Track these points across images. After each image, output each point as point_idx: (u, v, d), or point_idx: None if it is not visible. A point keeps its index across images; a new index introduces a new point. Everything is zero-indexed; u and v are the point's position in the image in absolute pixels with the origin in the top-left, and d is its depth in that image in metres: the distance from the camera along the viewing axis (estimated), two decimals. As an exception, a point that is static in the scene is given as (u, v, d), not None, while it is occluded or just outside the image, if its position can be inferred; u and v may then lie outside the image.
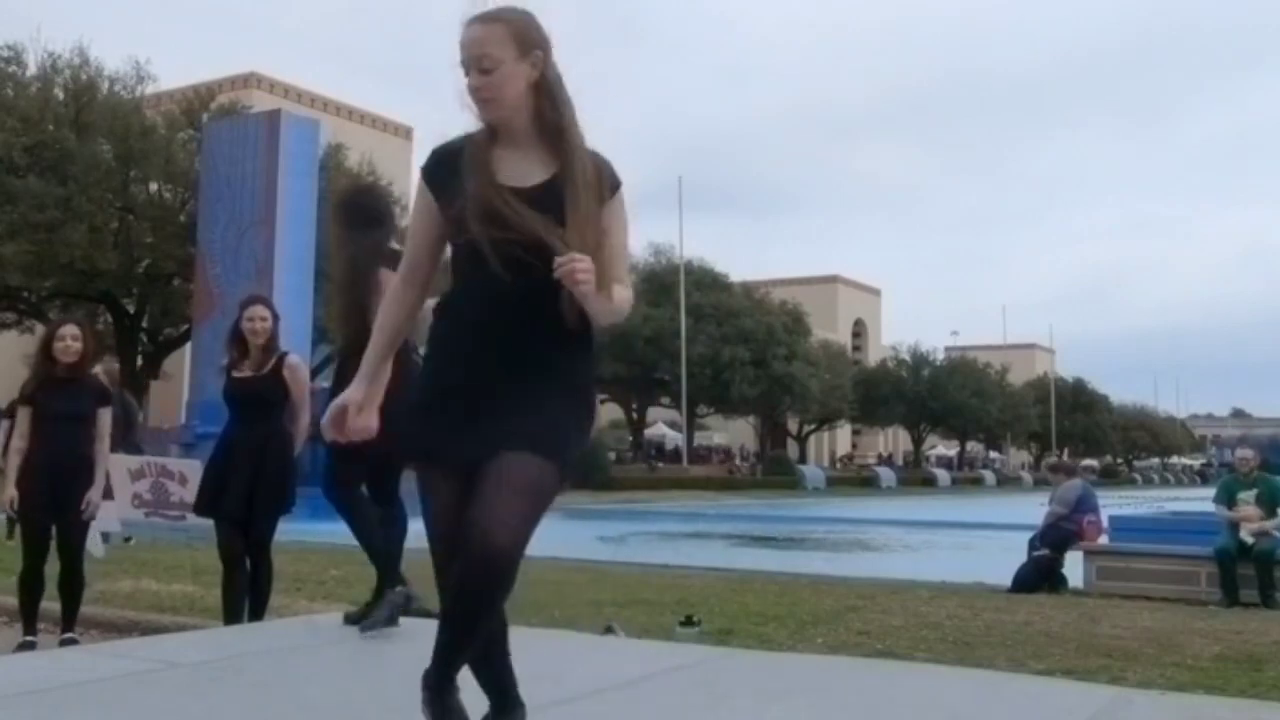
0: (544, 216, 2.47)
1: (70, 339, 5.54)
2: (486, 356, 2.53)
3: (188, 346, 28.26)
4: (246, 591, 5.43)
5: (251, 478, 5.36)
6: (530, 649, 4.77)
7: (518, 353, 2.53)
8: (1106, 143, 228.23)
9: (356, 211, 5.05)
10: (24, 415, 5.57)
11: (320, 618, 5.58)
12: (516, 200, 2.51)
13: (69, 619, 5.70)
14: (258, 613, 5.46)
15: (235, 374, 5.59)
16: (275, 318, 5.75)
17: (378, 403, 2.93)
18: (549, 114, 2.57)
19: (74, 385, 5.57)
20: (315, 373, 28.18)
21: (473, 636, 2.63)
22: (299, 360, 5.74)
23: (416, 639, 4.68)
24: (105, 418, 5.68)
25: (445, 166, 2.61)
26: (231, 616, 5.39)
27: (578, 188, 2.52)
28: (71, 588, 5.67)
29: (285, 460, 5.50)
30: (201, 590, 7.15)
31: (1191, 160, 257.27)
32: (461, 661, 2.70)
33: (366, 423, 2.82)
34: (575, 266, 2.37)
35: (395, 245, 4.77)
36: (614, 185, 2.63)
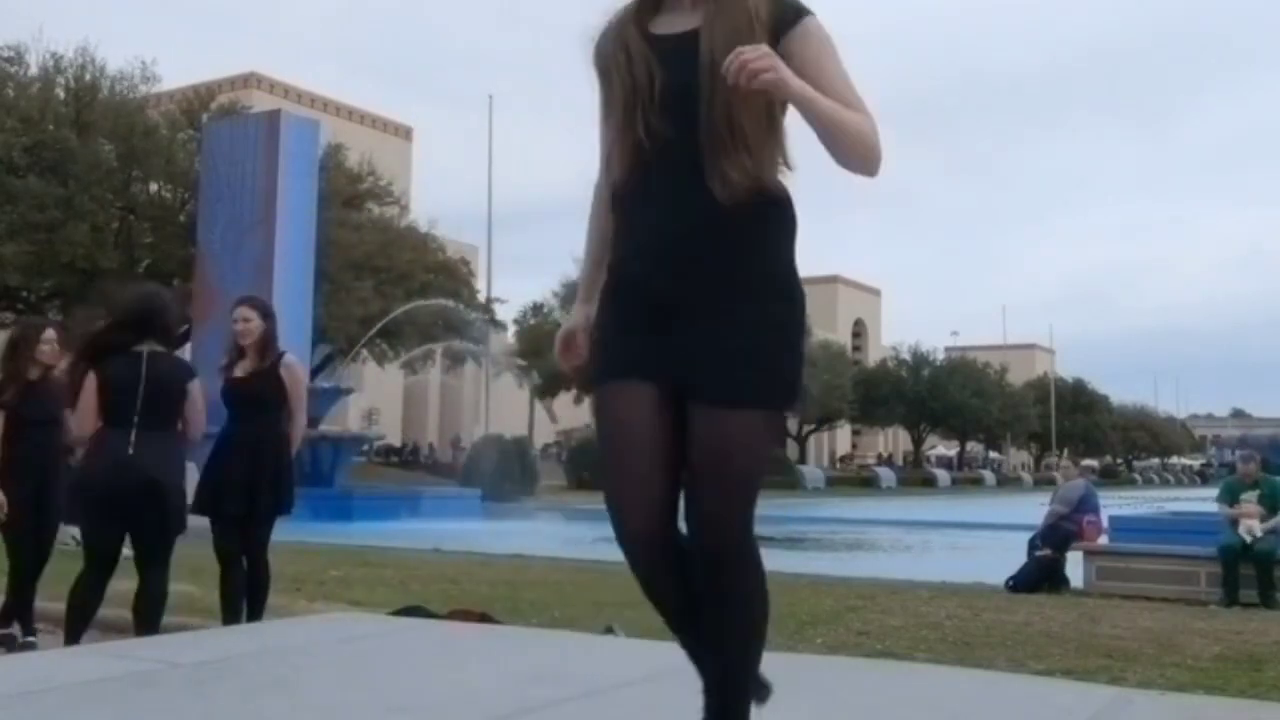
0: (685, 66, 2.13)
1: (44, 342, 5.59)
2: (657, 254, 2.19)
3: (188, 346, 28.28)
4: (244, 591, 5.43)
5: (250, 477, 5.36)
6: (530, 649, 4.78)
7: (682, 244, 2.17)
8: (1107, 143, 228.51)
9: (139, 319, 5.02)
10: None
11: (320, 618, 5.59)
12: (653, 47, 2.20)
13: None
14: (256, 613, 5.46)
15: (233, 374, 5.59)
16: (267, 317, 5.70)
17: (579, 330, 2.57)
18: None
19: (50, 387, 5.57)
20: (315, 373, 28.23)
21: (753, 639, 2.30)
22: (296, 360, 5.77)
23: (417, 640, 4.69)
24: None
25: (611, 38, 2.30)
26: (230, 616, 5.38)
27: (729, 23, 2.12)
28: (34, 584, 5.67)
29: (283, 460, 5.50)
30: (201, 590, 7.15)
31: (1192, 160, 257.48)
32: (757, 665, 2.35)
33: (584, 348, 2.49)
34: (746, 58, 1.95)
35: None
36: (791, 15, 2.18)
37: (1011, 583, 9.82)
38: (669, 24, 2.24)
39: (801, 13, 2.20)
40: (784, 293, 2.25)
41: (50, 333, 5.66)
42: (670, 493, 2.22)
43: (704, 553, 2.21)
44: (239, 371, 5.63)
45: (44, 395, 5.53)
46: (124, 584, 6.84)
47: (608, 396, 2.27)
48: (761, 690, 2.38)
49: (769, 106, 2.16)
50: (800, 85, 2.05)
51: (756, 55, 1.97)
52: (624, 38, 2.26)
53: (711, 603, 2.24)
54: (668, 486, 2.22)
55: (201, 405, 5.08)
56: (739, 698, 2.28)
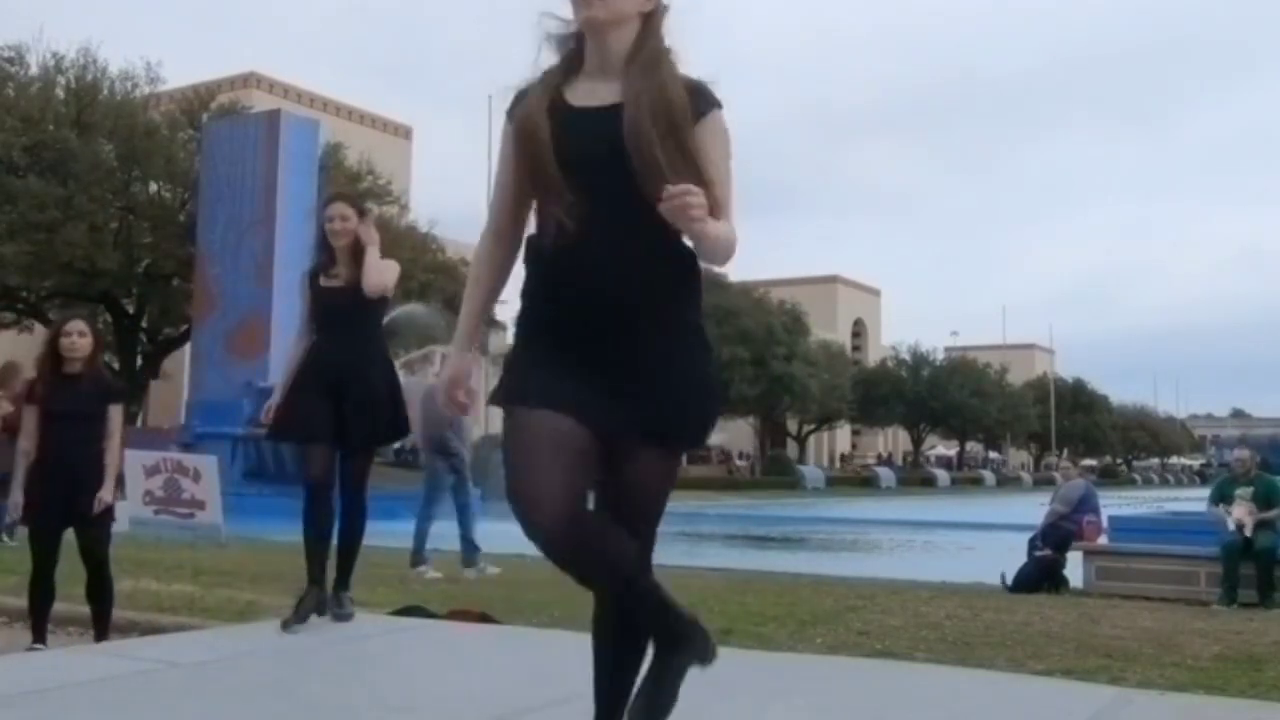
0: (608, 137, 2.28)
1: (76, 335, 5.34)
2: (582, 301, 2.32)
3: (187, 346, 28.27)
4: (330, 533, 4.88)
5: (341, 401, 4.81)
6: (530, 649, 4.78)
7: (612, 294, 2.31)
8: (1107, 143, 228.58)
9: None
10: (30, 416, 5.38)
11: (320, 618, 5.58)
12: (577, 117, 2.34)
13: (102, 626, 5.42)
14: (346, 565, 4.99)
15: (323, 282, 5.02)
16: (362, 215, 5.10)
17: (472, 373, 2.67)
18: (640, 43, 2.37)
19: (81, 382, 5.37)
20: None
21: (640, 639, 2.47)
22: (392, 262, 5.14)
23: (417, 640, 4.69)
24: (115, 415, 5.47)
25: (527, 103, 2.41)
26: (313, 562, 4.85)
27: (643, 106, 2.28)
28: (100, 593, 5.40)
29: (381, 378, 4.96)
30: (201, 590, 7.15)
31: (1191, 160, 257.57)
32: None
33: (466, 395, 2.58)
34: (689, 200, 2.14)
35: None
36: (705, 106, 2.37)
37: (1010, 584, 9.83)
38: (591, 95, 2.37)
39: (712, 105, 2.38)
40: (703, 342, 2.45)
41: (74, 324, 5.40)
42: (580, 485, 2.31)
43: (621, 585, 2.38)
44: (331, 280, 5.00)
45: (75, 390, 5.32)
46: (124, 584, 6.84)
47: (525, 414, 2.31)
48: (702, 651, 2.39)
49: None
50: (710, 227, 2.24)
51: (698, 202, 2.16)
52: (545, 106, 2.37)
53: (620, 627, 2.45)
54: (576, 481, 2.29)
55: None
56: (664, 706, 2.39)
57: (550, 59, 2.45)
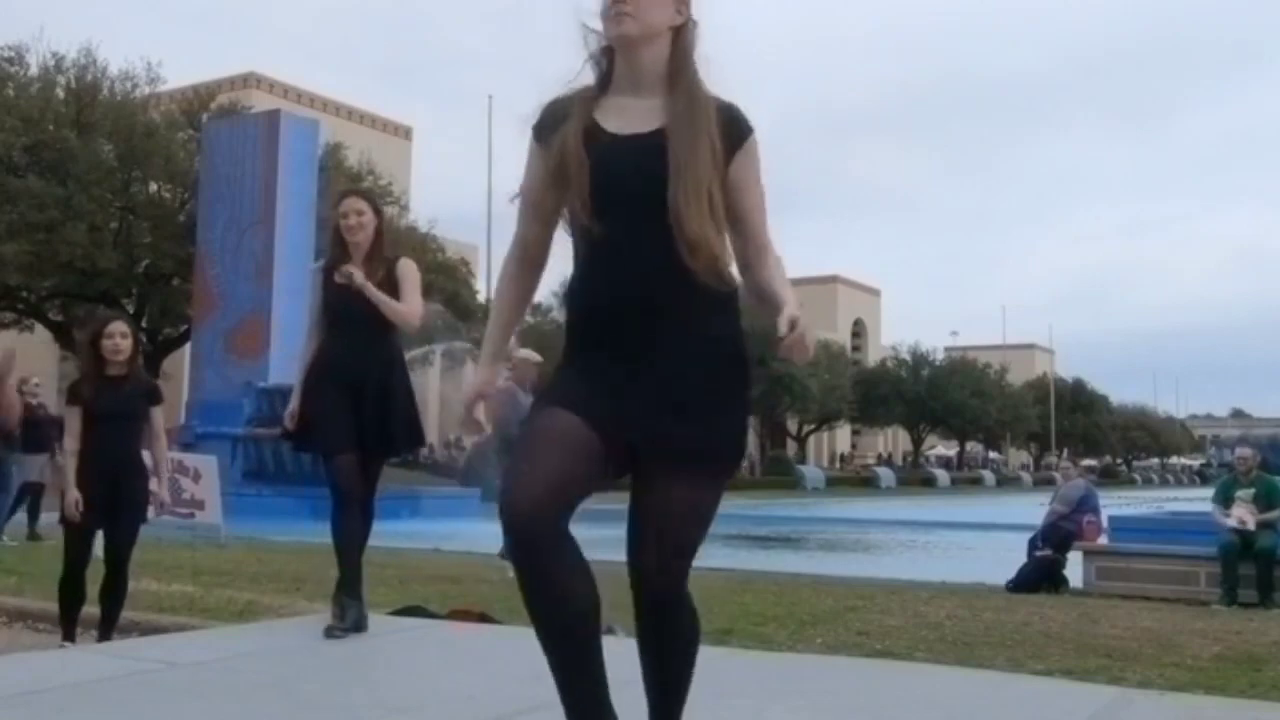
0: (648, 164, 2.27)
1: (119, 337, 5.29)
2: (618, 333, 2.30)
3: (187, 346, 28.28)
4: (361, 541, 4.73)
5: (354, 408, 4.65)
6: (530, 649, 4.77)
7: (651, 320, 2.28)
8: (1106, 142, 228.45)
9: None
10: (74, 416, 5.31)
11: (320, 618, 5.58)
12: (615, 147, 2.30)
13: (109, 626, 5.43)
14: (358, 571, 4.73)
15: (338, 279, 4.75)
16: (379, 214, 4.89)
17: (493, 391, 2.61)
18: (677, 63, 2.34)
19: (124, 384, 5.34)
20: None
21: (688, 673, 2.51)
22: (411, 263, 4.92)
23: (417, 640, 4.69)
24: (158, 416, 5.47)
25: (556, 119, 2.36)
26: (346, 561, 4.67)
27: (689, 131, 2.27)
28: (116, 593, 5.38)
29: (398, 383, 4.80)
30: (201, 590, 7.16)
31: (1190, 160, 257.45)
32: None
33: (483, 414, 2.56)
34: (805, 339, 2.19)
35: None
36: (743, 133, 2.35)
37: (1011, 584, 9.83)
38: (624, 117, 2.34)
39: (748, 132, 2.36)
40: (739, 354, 2.39)
41: (116, 326, 5.34)
42: (569, 489, 2.24)
43: (648, 601, 2.41)
44: (344, 279, 4.73)
45: (118, 391, 5.29)
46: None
47: (537, 414, 2.33)
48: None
49: (717, 209, 2.30)
50: (793, 299, 2.30)
51: (811, 338, 2.20)
52: (578, 125, 2.32)
53: (652, 644, 2.46)
54: (568, 484, 2.23)
55: None
56: (682, 701, 2.50)
57: (586, 76, 2.41)
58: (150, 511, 5.52)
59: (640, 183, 2.28)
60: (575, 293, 2.39)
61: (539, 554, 2.20)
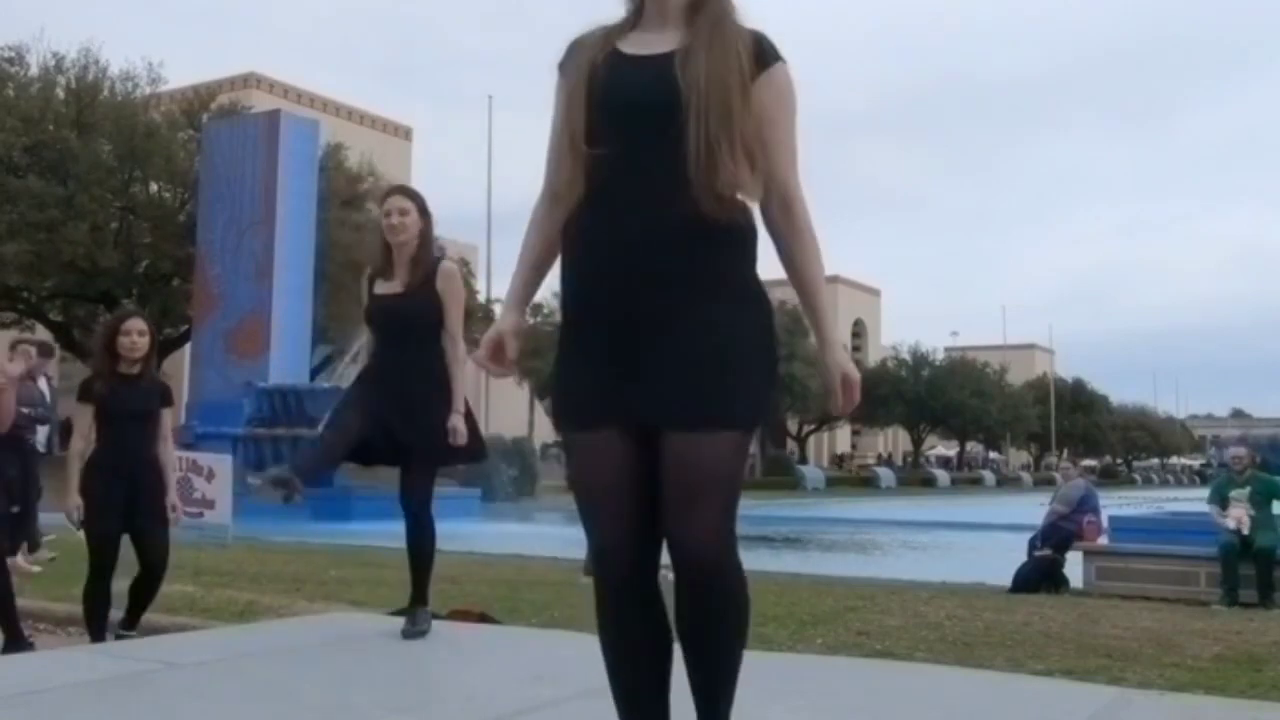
0: (661, 80, 2.15)
1: (136, 334, 5.17)
2: (621, 270, 2.15)
3: (187, 346, 28.28)
4: (415, 549, 4.64)
5: (394, 413, 4.47)
6: (530, 649, 4.78)
7: (656, 256, 2.13)
8: (1106, 143, 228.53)
9: None
10: (85, 414, 5.15)
11: (320, 618, 5.58)
12: (629, 64, 2.21)
13: (137, 615, 5.32)
14: (421, 580, 4.66)
15: (378, 289, 4.64)
16: (425, 214, 4.62)
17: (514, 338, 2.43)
18: None
19: (140, 382, 5.21)
20: (315, 373, 28.21)
21: (737, 649, 2.30)
22: (454, 267, 4.72)
23: (417, 641, 4.68)
24: (168, 418, 5.36)
25: (578, 52, 2.30)
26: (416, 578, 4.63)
27: (714, 45, 2.16)
28: (149, 594, 5.29)
29: (438, 390, 4.52)
30: (202, 590, 7.15)
31: (1190, 160, 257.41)
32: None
33: (513, 354, 2.40)
34: (855, 394, 2.30)
35: None
36: (769, 57, 2.21)
37: (1011, 588, 9.82)
38: (644, 44, 2.25)
39: (775, 58, 2.23)
40: (752, 295, 2.24)
41: (134, 323, 5.20)
42: (646, 526, 2.22)
43: (688, 573, 2.20)
44: (385, 287, 4.59)
45: (134, 389, 5.16)
46: (125, 584, 6.85)
47: (576, 448, 2.28)
48: None
49: (745, 135, 2.16)
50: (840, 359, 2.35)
51: (854, 401, 2.36)
52: (597, 53, 2.26)
53: (695, 621, 2.23)
54: (642, 520, 2.22)
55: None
56: (726, 704, 2.31)
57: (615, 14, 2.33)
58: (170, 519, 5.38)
59: (652, 97, 2.15)
60: (571, 244, 2.25)
61: (620, 600, 2.30)
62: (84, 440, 5.16)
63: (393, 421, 4.48)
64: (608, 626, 2.33)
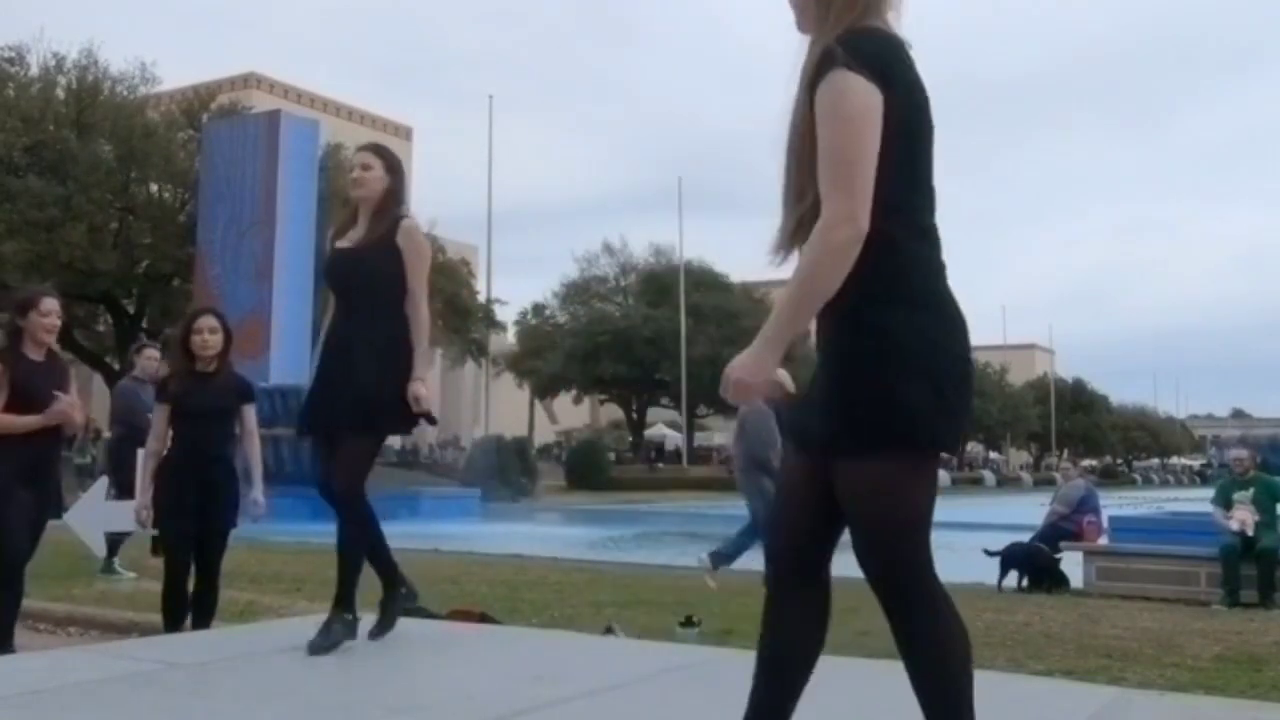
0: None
1: (207, 332, 5.10)
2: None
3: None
4: (343, 546, 4.30)
5: (348, 386, 4.17)
6: (530, 649, 4.78)
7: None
8: (1106, 143, 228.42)
9: None
10: (161, 414, 5.11)
11: (320, 618, 5.57)
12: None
13: (203, 625, 5.28)
14: (343, 579, 4.30)
15: (338, 243, 4.43)
16: (393, 171, 4.40)
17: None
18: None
19: (215, 379, 5.15)
20: (315, 373, 28.18)
21: (944, 683, 2.27)
22: (415, 225, 4.44)
23: (417, 640, 4.69)
24: (251, 414, 5.26)
25: (909, 70, 2.24)
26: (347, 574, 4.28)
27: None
28: (207, 605, 5.24)
29: (396, 360, 4.20)
30: (201, 590, 7.14)
31: (1190, 161, 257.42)
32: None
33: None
34: (724, 390, 2.26)
35: None
36: (824, 68, 2.11)
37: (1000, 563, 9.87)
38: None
39: (827, 68, 2.11)
40: (860, 325, 2.15)
41: (205, 320, 5.13)
42: (815, 535, 2.30)
43: (878, 595, 2.23)
44: (345, 241, 4.35)
45: (208, 387, 5.09)
46: (125, 584, 6.84)
47: (786, 452, 2.41)
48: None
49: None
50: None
51: (724, 392, 2.21)
52: (918, 75, 2.29)
53: (900, 649, 2.24)
54: (812, 530, 2.29)
55: None
56: None
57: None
58: (247, 518, 5.30)
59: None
60: (921, 277, 2.20)
61: (780, 594, 2.34)
62: (158, 440, 5.13)
63: (321, 396, 4.25)
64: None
